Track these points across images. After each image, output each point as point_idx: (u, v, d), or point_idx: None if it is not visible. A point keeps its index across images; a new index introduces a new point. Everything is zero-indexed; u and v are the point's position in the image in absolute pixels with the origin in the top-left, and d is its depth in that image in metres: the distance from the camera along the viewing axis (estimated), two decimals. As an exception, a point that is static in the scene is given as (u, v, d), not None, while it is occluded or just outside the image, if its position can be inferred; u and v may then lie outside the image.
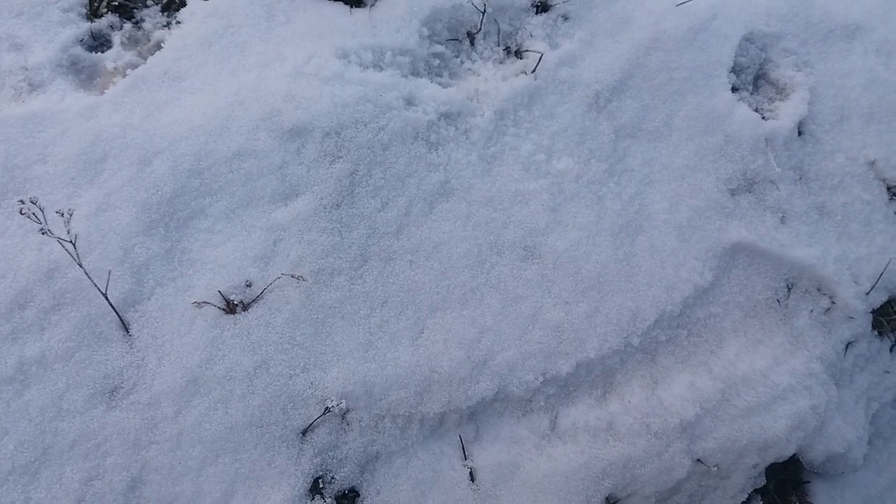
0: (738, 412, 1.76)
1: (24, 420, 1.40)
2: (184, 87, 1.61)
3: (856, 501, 2.03)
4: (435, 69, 1.79)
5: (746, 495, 1.83)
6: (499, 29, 1.83)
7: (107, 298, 1.42)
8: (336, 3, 1.78)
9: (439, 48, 1.78)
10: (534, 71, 1.78)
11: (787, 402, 1.79)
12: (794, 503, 1.94)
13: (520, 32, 1.87)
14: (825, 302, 1.91)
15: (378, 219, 1.60)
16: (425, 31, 1.76)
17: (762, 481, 1.85)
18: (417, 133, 1.66)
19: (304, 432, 1.52)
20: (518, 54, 1.85)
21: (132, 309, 1.48)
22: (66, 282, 1.45)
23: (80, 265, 1.36)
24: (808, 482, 1.98)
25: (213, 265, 1.52)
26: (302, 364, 1.52)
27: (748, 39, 1.98)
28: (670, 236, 1.74)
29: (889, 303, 2.01)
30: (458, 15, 1.80)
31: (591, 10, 1.89)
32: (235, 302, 1.51)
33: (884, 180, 1.95)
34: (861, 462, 1.94)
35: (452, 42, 1.82)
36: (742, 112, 1.89)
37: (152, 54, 1.65)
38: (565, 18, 1.88)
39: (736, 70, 1.96)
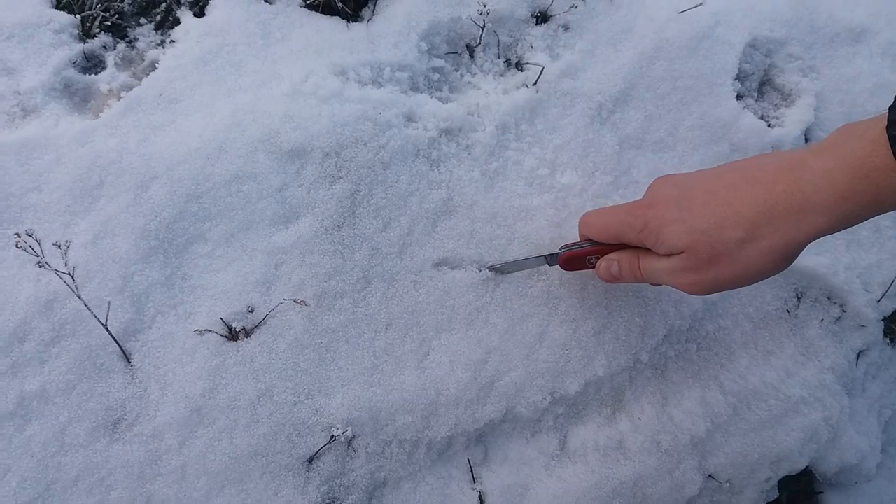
0: (750, 426, 1.74)
1: (26, 456, 1.37)
2: (180, 109, 1.57)
3: (869, 510, 2.02)
4: (435, 84, 1.76)
5: (759, 509, 1.81)
6: (498, 41, 1.81)
7: (107, 329, 1.39)
8: (332, 18, 1.75)
9: (439, 62, 1.75)
10: (535, 84, 1.75)
11: (800, 415, 1.77)
12: (807, 515, 1.93)
13: (520, 44, 1.84)
14: (836, 311, 1.89)
15: (380, 239, 1.58)
16: (424, 46, 1.73)
17: (775, 494, 1.83)
18: (418, 150, 1.63)
19: (311, 460, 1.49)
20: (519, 66, 1.82)
21: (133, 339, 1.46)
22: (65, 313, 1.42)
23: (80, 297, 1.33)
24: (821, 493, 1.96)
25: (214, 291, 1.50)
26: (306, 391, 1.50)
27: (752, 46, 1.95)
28: (678, 248, 1.72)
29: (900, 310, 1.99)
30: (457, 28, 1.77)
31: (592, 20, 1.86)
32: (237, 329, 1.48)
33: (893, 186, 1.93)
34: (874, 472, 1.92)
35: (452, 55, 1.79)
36: (748, 120, 1.86)
37: (147, 75, 1.62)
38: (566, 28, 1.85)
39: (740, 77, 1.93)
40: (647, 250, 1.38)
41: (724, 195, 1.22)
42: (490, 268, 1.64)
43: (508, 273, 1.65)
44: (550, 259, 1.59)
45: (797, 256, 1.21)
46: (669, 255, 1.31)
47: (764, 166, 1.21)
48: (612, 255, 1.45)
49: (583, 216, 1.52)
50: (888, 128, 1.02)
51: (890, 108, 1.03)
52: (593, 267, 1.52)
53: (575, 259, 1.53)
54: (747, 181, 1.21)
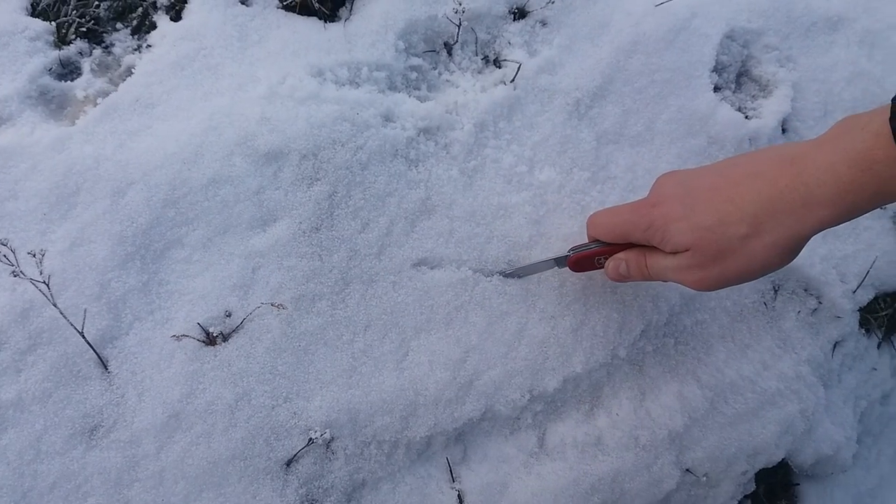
0: (727, 420, 1.75)
1: (2, 464, 1.38)
2: (156, 114, 1.58)
3: (846, 500, 2.04)
4: (413, 83, 1.76)
5: (736, 502, 1.82)
6: (476, 38, 1.80)
7: (83, 336, 1.39)
8: (309, 18, 1.74)
9: (416, 61, 1.75)
10: (513, 80, 1.75)
11: (776, 408, 1.79)
12: (784, 506, 1.95)
13: (498, 41, 1.83)
14: (812, 302, 1.90)
15: (359, 240, 1.58)
16: (401, 45, 1.73)
17: (752, 487, 1.85)
18: (396, 150, 1.63)
19: (289, 463, 1.50)
20: (497, 63, 1.82)
21: (110, 345, 1.46)
22: (41, 321, 1.42)
23: (55, 305, 1.34)
24: (798, 484, 1.98)
25: (192, 296, 1.50)
26: (284, 394, 1.51)
27: (729, 37, 1.96)
28: (655, 244, 1.72)
29: (876, 300, 2.00)
30: (435, 26, 1.76)
31: (569, 15, 1.86)
32: (215, 333, 1.49)
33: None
34: (850, 462, 1.94)
35: (430, 54, 1.79)
36: (725, 112, 1.86)
37: (123, 80, 1.61)
38: (543, 24, 1.85)
39: (718, 69, 1.94)
40: (653, 248, 1.39)
41: (726, 191, 1.24)
42: (501, 274, 1.67)
43: (520, 277, 1.67)
44: (560, 262, 1.61)
45: (802, 249, 1.23)
46: (675, 253, 1.33)
47: (765, 160, 1.22)
48: (620, 255, 1.48)
49: (590, 217, 1.54)
50: (891, 120, 1.03)
51: (893, 99, 1.03)
52: (602, 267, 1.55)
53: (584, 260, 1.55)
54: (749, 176, 1.22)
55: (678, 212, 1.29)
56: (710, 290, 1.35)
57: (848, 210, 1.12)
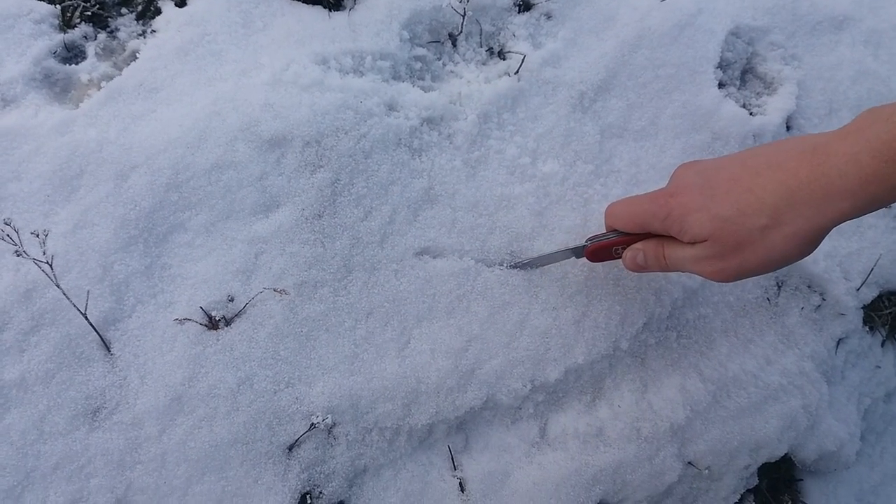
0: (729, 414, 1.74)
1: (5, 444, 1.38)
2: (160, 99, 1.58)
3: (849, 497, 2.03)
4: (417, 73, 1.76)
5: (739, 496, 1.82)
6: (481, 29, 1.81)
7: (86, 318, 1.39)
8: (314, 7, 1.75)
9: (421, 51, 1.76)
10: (517, 72, 1.75)
11: (779, 403, 1.78)
12: (787, 502, 1.93)
13: (502, 32, 1.84)
14: (816, 299, 1.90)
15: (361, 228, 1.58)
16: (406, 34, 1.73)
17: (754, 481, 1.84)
18: (400, 139, 1.63)
19: (291, 448, 1.50)
20: (501, 55, 1.82)
21: (113, 327, 1.46)
22: (44, 302, 1.42)
23: (58, 286, 1.34)
24: (801, 480, 1.97)
25: (195, 280, 1.50)
26: (286, 379, 1.51)
27: (734, 34, 1.96)
28: (658, 237, 1.72)
29: (880, 297, 2.00)
30: (439, 16, 1.77)
31: (574, 8, 1.86)
32: (217, 318, 1.49)
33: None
34: (853, 459, 1.93)
35: (434, 44, 1.79)
36: (729, 108, 1.86)
37: (127, 65, 1.62)
38: (548, 17, 1.85)
39: (722, 65, 1.94)
40: (672, 239, 1.38)
41: (746, 182, 1.23)
42: (516, 265, 1.67)
43: (535, 268, 1.67)
44: (577, 252, 1.60)
45: (822, 241, 1.22)
46: (694, 244, 1.31)
47: (787, 151, 1.21)
48: (638, 245, 1.46)
49: (608, 207, 1.52)
50: None
51: None
52: (620, 257, 1.53)
53: (601, 250, 1.54)
54: (770, 166, 1.21)
55: (697, 202, 1.28)
56: (728, 282, 1.37)
57: (869, 202, 1.10)
